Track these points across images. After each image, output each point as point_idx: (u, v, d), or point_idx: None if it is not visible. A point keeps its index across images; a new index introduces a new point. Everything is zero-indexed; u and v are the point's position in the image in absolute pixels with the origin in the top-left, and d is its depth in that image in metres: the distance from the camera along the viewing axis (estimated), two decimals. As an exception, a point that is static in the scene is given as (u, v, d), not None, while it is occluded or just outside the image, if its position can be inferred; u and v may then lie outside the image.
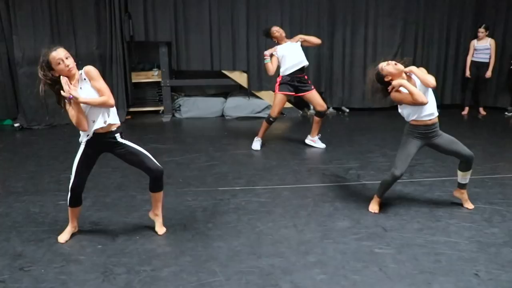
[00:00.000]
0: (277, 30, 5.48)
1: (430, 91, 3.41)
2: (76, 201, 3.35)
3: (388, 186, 3.63)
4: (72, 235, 3.40)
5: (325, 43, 7.34)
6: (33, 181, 4.67)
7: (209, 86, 8.23)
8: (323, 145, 5.64)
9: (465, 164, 3.62)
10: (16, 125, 7.27)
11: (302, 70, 5.46)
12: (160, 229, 3.45)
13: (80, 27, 7.29)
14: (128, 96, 7.72)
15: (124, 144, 3.27)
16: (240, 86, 7.92)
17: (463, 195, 3.79)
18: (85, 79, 3.07)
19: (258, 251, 3.14)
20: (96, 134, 3.16)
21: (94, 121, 3.12)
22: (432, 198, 4.00)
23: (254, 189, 4.30)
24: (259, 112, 7.64)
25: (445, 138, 3.55)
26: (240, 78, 7.65)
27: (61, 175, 4.68)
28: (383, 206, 3.77)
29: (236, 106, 7.67)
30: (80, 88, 3.06)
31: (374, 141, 5.90)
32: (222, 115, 7.79)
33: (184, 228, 3.52)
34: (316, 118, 5.59)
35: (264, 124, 5.64)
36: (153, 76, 7.99)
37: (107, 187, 4.44)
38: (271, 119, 5.57)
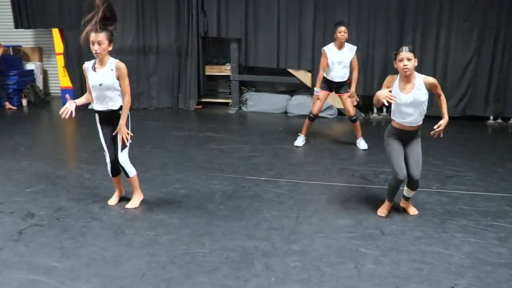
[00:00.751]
0: (343, 32, 5.43)
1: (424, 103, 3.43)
2: (115, 171, 3.86)
3: (394, 189, 3.62)
4: (121, 198, 3.99)
5: (394, 46, 7.20)
6: (97, 154, 5.39)
7: (278, 83, 8.53)
8: (364, 146, 5.66)
9: (411, 184, 3.61)
10: (90, 107, 8.27)
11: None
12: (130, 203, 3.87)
13: (161, 22, 8.07)
14: (200, 87, 8.33)
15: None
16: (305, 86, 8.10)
17: (406, 204, 3.80)
18: (112, 69, 3.55)
19: (251, 233, 3.39)
20: (100, 112, 3.64)
21: (98, 104, 3.63)
22: (452, 210, 3.87)
23: (278, 181, 4.53)
24: (321, 112, 7.73)
25: (414, 150, 3.53)
26: (305, 77, 7.83)
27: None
28: (395, 211, 3.77)
29: (299, 104, 7.87)
30: (103, 73, 3.54)
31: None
32: (286, 112, 8.06)
33: (198, 206, 3.89)
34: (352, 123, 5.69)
35: (307, 121, 5.82)
36: (226, 70, 8.51)
37: (150, 165, 4.98)
38: (311, 115, 5.74)
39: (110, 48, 3.53)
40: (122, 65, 3.54)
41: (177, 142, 6.04)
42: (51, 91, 9.75)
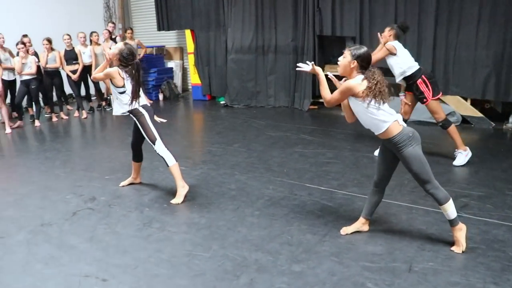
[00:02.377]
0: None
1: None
2: (134, 156, 4.37)
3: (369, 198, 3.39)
4: (131, 184, 4.48)
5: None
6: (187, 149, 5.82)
7: (399, 85, 7.77)
8: (458, 162, 4.79)
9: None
10: (222, 102, 8.80)
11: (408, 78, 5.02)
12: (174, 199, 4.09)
13: (280, 22, 8.14)
14: (316, 87, 8.13)
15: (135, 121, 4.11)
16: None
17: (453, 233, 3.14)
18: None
19: (263, 245, 3.21)
20: None
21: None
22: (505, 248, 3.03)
23: (335, 193, 4.17)
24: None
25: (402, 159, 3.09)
26: (425, 78, 6.95)
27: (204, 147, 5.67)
28: (446, 244, 3.14)
29: (416, 109, 7.01)
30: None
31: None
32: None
33: (235, 209, 3.86)
34: None
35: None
36: (345, 70, 8.11)
37: (224, 164, 5.14)
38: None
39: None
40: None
41: (265, 142, 6.05)
42: (189, 87, 10.77)
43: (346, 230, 3.37)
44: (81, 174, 4.92)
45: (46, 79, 7.84)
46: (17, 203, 4.19)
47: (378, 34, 5.07)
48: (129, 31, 9.29)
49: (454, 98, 6.70)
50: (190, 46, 9.35)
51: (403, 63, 4.92)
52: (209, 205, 3.97)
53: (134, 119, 4.09)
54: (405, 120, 5.07)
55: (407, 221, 3.56)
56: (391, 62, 4.96)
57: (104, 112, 8.80)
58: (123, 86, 3.99)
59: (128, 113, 4.09)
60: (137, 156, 4.39)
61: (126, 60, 3.92)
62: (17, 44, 7.38)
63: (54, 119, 8.02)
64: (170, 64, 10.27)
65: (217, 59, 8.96)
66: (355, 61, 2.96)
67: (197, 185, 4.47)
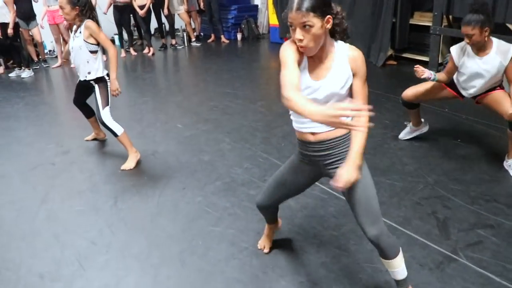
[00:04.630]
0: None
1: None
2: (85, 113, 4.15)
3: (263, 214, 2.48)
4: (95, 139, 4.38)
5: None
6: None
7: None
8: None
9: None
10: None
11: None
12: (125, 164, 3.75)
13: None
14: (396, 38, 6.76)
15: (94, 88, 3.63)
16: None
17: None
18: (80, 32, 3.41)
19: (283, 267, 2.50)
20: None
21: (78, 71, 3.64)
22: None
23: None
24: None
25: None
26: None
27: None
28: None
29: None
30: (75, 36, 3.48)
31: None
32: None
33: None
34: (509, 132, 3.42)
35: None
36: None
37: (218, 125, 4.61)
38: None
39: (76, 12, 3.40)
40: (88, 24, 3.39)
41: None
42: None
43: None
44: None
45: (115, 14, 7.94)
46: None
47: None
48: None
49: None
50: (268, -17, 8.50)
51: None
52: (170, 180, 3.58)
53: (95, 86, 3.65)
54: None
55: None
56: None
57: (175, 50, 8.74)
58: (98, 44, 3.55)
59: (91, 81, 3.64)
60: (88, 111, 4.09)
61: (78, 3, 3.41)
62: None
63: (123, 54, 8.23)
64: (256, 1, 9.55)
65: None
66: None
67: (173, 150, 4.08)
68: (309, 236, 2.73)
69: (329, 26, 1.72)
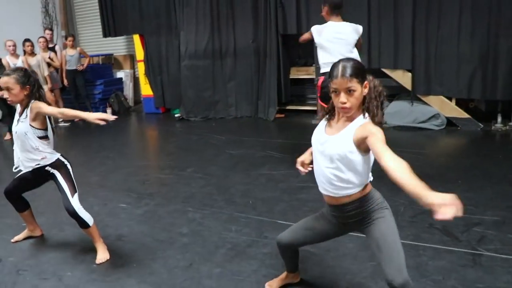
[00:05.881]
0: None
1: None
2: (17, 207, 3.28)
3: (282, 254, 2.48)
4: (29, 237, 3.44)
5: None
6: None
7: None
8: None
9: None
10: (176, 115, 7.81)
11: None
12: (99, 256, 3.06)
13: (238, 21, 7.23)
14: (282, 93, 7.28)
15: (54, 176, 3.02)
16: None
17: None
18: (27, 115, 2.92)
19: None
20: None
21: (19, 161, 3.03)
22: None
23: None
24: (422, 122, 6.08)
25: (373, 234, 2.01)
26: (403, 78, 6.21)
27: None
28: None
29: (396, 113, 6.28)
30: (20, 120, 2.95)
31: None
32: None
33: (187, 266, 2.90)
34: None
35: None
36: (314, 72, 7.31)
37: (175, 197, 4.16)
38: None
39: (26, 92, 2.89)
40: (38, 104, 2.89)
41: (225, 164, 5.09)
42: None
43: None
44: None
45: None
46: None
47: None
48: (70, 38, 8.18)
49: (437, 99, 5.97)
50: (139, 53, 8.28)
51: None
52: (153, 262, 2.99)
53: (54, 172, 3.00)
54: None
55: (416, 267, 2.69)
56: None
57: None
58: (46, 128, 2.98)
59: (39, 167, 2.99)
60: (22, 204, 3.29)
61: (28, 83, 2.89)
62: None
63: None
64: (119, 74, 9.17)
65: (170, 67, 7.93)
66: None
67: (140, 231, 3.48)
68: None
69: (366, 90, 1.92)
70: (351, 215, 2.03)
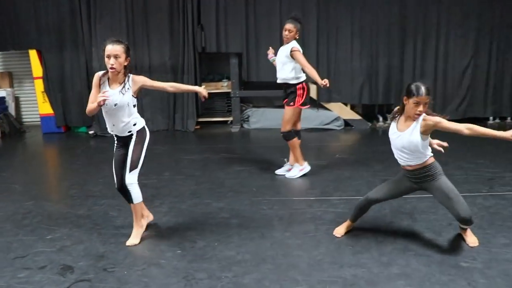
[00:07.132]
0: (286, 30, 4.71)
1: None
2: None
3: (359, 210, 3.34)
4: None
5: (396, 55, 7.22)
6: (109, 186, 4.51)
7: (277, 97, 8.20)
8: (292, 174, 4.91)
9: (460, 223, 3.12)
10: (90, 132, 7.63)
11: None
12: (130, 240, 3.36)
13: (153, 38, 7.56)
14: (198, 106, 7.86)
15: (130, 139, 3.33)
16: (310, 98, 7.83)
17: (463, 232, 3.21)
18: (129, 88, 3.20)
19: (339, 261, 2.98)
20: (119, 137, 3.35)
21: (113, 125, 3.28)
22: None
23: (329, 200, 4.15)
24: (327, 124, 7.51)
25: (439, 189, 3.00)
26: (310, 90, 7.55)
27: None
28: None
29: (305, 118, 7.52)
30: (122, 93, 3.17)
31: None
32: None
33: (262, 236, 3.43)
34: None
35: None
36: (222, 87, 8.10)
37: (182, 194, 4.46)
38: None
39: (126, 63, 3.17)
40: (137, 77, 3.24)
41: (195, 166, 5.52)
42: (25, 120, 8.89)
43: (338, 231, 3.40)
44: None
45: None
46: None
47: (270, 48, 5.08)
48: None
49: (337, 105, 7.47)
50: (36, 69, 7.71)
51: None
52: (227, 237, 3.40)
53: (134, 139, 3.26)
54: (296, 131, 5.06)
55: (419, 209, 3.80)
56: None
57: None
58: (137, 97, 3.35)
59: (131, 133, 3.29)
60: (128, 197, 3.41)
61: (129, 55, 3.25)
62: None
63: None
64: (1, 93, 8.24)
65: (74, 84, 7.64)
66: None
67: (183, 219, 3.78)
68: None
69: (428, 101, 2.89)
70: (421, 176, 3.01)
